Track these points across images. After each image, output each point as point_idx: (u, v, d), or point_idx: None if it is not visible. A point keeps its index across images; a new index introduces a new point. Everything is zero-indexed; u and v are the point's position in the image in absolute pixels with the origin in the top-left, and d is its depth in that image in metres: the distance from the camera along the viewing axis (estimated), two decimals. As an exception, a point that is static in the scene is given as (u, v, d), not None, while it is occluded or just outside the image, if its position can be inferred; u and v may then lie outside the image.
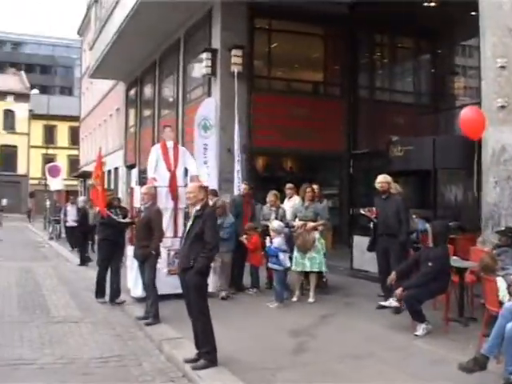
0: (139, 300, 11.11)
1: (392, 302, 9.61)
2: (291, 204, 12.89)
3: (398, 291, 8.72)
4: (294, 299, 11.43)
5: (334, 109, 21.09)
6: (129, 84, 34.18)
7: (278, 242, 11.07)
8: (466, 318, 9.19)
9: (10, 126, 70.57)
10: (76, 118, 59.72)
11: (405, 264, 9.48)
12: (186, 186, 11.04)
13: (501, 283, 7.20)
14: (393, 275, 9.14)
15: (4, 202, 57.36)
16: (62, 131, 71.44)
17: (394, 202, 10.58)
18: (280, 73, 22.24)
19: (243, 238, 12.11)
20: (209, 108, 19.06)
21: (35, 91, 59.46)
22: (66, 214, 24.02)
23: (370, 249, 11.26)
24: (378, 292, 10.98)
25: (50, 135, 66.83)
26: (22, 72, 79.21)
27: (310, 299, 11.34)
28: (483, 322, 7.69)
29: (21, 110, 70.50)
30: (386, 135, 16.61)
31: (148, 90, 30.50)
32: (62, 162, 51.77)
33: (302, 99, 20.86)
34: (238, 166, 17.64)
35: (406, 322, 9.03)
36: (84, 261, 18.42)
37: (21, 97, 70.76)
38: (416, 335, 8.52)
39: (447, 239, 9.41)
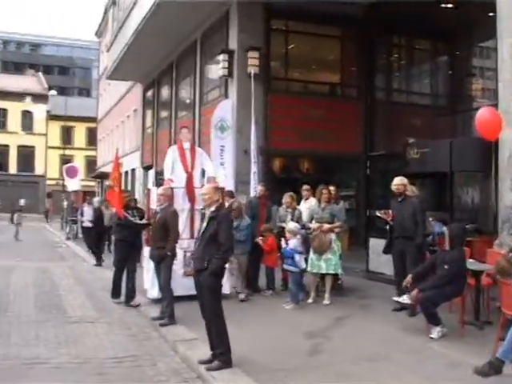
0: (155, 301, 11.13)
1: (405, 299, 9.55)
2: (307, 205, 12.87)
3: (414, 292, 8.69)
4: (310, 301, 11.41)
5: (350, 110, 21.03)
6: (146, 85, 34.30)
7: (293, 243, 11.06)
8: (481, 322, 9.14)
9: (28, 126, 71.08)
10: (93, 119, 59.99)
11: (421, 267, 9.43)
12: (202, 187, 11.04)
13: (517, 286, 7.16)
14: (409, 278, 9.07)
15: (22, 202, 57.76)
16: (80, 132, 71.94)
17: (411, 205, 10.54)
18: (297, 74, 22.22)
19: (259, 239, 12.12)
20: (225, 109, 19.10)
21: (53, 92, 59.76)
22: (82, 215, 24.10)
23: (386, 251, 11.18)
24: (393, 295, 10.92)
25: (67, 136, 67.38)
26: (40, 73, 79.82)
27: (326, 301, 11.33)
28: (499, 325, 7.64)
29: (39, 111, 71.03)
30: (403, 137, 16.57)
31: (165, 92, 30.57)
32: (79, 162, 52.02)
33: (319, 101, 20.81)
34: (254, 168, 17.65)
35: (421, 324, 9.01)
36: (99, 260, 18.50)
37: (39, 98, 71.29)
38: (431, 338, 8.48)
39: (464, 242, 9.36)
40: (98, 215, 19.68)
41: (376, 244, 13.62)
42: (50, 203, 55.73)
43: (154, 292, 11.31)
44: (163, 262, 10.06)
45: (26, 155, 70.29)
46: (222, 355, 7.15)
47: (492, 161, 10.29)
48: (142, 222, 11.94)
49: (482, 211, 15.18)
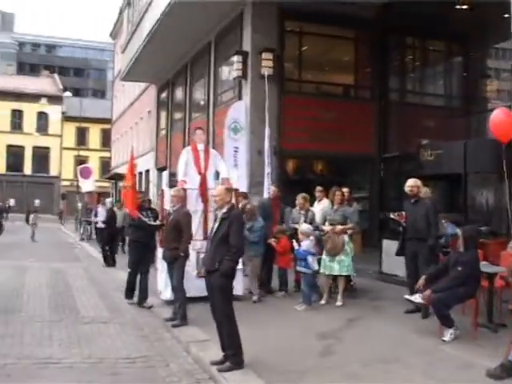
0: (168, 302, 11.16)
1: (417, 298, 9.49)
2: (321, 207, 12.86)
3: (427, 292, 8.65)
4: (322, 302, 11.40)
5: (364, 112, 21.00)
6: (160, 87, 34.36)
7: (306, 244, 11.05)
8: (495, 324, 9.08)
9: (43, 127, 71.45)
10: (108, 121, 60.13)
11: (434, 268, 9.40)
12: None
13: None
14: (422, 280, 9.04)
15: (37, 202, 58.11)
16: (94, 133, 72.24)
17: (424, 206, 10.51)
18: (310, 75, 22.17)
19: (272, 240, 12.12)
20: (239, 110, 19.10)
21: (68, 94, 60.02)
22: (96, 216, 24.13)
23: (399, 253, 11.12)
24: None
25: (82, 137, 67.83)
26: (56, 75, 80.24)
27: (338, 302, 11.31)
28: (512, 328, 7.61)
29: (54, 112, 71.49)
30: (417, 138, 16.57)
31: (179, 93, 30.62)
32: (93, 163, 52.38)
33: (333, 102, 20.80)
34: (268, 169, 17.63)
35: (433, 326, 8.97)
36: (112, 261, 18.53)
37: (54, 99, 71.64)
38: (443, 340, 8.45)
39: (477, 244, 9.32)
40: (111, 216, 19.65)
41: (389, 246, 13.58)
42: (64, 204, 55.94)
43: (167, 293, 11.33)
44: (176, 263, 10.08)
45: (41, 156, 70.76)
46: (233, 356, 7.16)
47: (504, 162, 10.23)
48: (155, 223, 11.97)
49: (496, 213, 15.09)
